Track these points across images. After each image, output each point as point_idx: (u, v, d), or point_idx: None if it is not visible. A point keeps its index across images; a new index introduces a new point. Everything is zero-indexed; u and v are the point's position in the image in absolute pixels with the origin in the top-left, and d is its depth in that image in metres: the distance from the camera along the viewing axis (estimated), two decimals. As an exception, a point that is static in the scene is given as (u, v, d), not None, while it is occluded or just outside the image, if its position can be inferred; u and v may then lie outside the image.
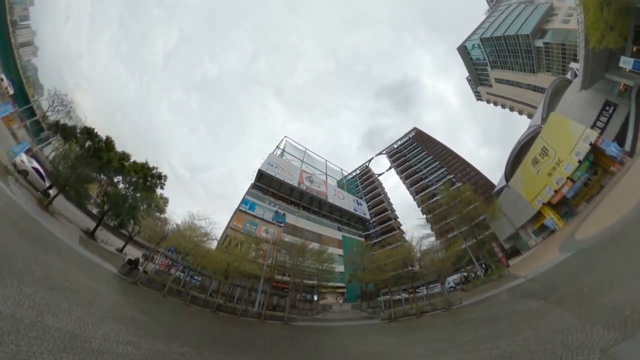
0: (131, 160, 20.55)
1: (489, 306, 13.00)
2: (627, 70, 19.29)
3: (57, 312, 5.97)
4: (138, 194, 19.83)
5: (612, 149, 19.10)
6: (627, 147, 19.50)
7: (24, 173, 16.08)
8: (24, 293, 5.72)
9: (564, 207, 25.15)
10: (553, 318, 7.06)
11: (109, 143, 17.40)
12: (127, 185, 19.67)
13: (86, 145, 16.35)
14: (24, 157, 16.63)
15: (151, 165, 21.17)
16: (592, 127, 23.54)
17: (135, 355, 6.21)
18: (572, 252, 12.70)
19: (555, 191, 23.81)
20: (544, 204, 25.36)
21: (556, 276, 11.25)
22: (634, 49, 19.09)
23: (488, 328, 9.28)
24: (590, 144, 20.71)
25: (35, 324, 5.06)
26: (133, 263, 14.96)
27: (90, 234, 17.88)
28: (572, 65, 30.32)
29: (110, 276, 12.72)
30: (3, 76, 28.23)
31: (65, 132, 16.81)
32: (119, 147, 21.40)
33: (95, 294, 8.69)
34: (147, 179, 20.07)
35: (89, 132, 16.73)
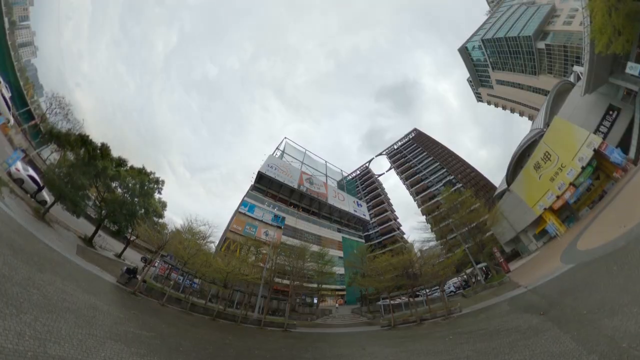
0: (128, 165, 20.42)
1: (489, 317, 12.93)
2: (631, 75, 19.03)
3: (59, 339, 5.89)
4: (136, 200, 19.72)
5: (616, 155, 18.96)
6: (632, 154, 19.34)
7: (20, 182, 16.02)
8: (24, 322, 5.63)
9: (566, 211, 25.08)
10: (551, 339, 7.00)
11: (104, 150, 17.24)
12: (124, 191, 19.55)
13: (81, 152, 16.13)
14: (19, 165, 16.54)
15: (149, 170, 21.04)
16: (595, 132, 23.39)
17: (136, 378, 6.13)
18: (573, 264, 12.61)
19: (557, 196, 23.73)
20: (545, 209, 25.28)
21: (556, 290, 11.17)
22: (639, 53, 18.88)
23: (486, 343, 9.23)
24: (594, 150, 20.57)
25: (39, 355, 4.98)
26: (132, 272, 14.90)
27: (88, 241, 17.82)
28: (576, 68, 30.05)
29: (108, 287, 12.65)
30: (0, 79, 28.00)
31: (60, 139, 16.61)
32: (119, 148, 21.17)
33: (94, 311, 8.61)
34: (144, 184, 19.95)
35: (83, 140, 16.53)
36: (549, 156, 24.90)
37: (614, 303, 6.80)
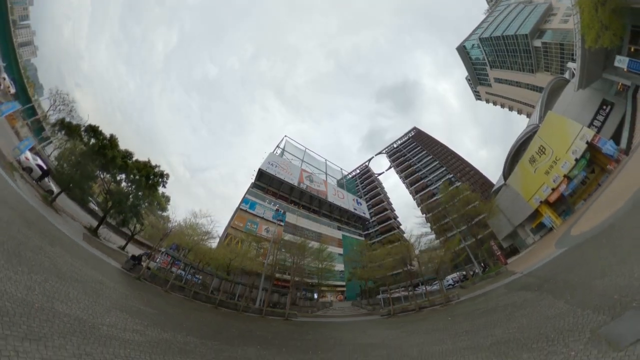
0: (134, 158, 20.77)
1: (486, 300, 13.26)
2: (626, 70, 19.45)
3: (66, 300, 6.21)
4: (140, 192, 20.04)
5: (608, 147, 19.37)
6: (623, 145, 19.76)
7: (28, 170, 16.40)
8: (34, 280, 5.96)
9: (562, 205, 25.42)
10: (546, 306, 7.32)
11: (112, 141, 17.67)
12: (129, 184, 19.87)
13: (91, 142, 16.58)
14: (28, 154, 17.00)
15: (153, 164, 21.37)
16: (589, 126, 23.77)
17: (142, 343, 6.43)
18: (566, 247, 12.97)
19: (553, 189, 24.08)
20: (541, 202, 25.62)
21: (551, 270, 11.52)
22: (632, 48, 19.34)
23: (484, 319, 9.55)
24: (587, 143, 20.98)
25: (45, 308, 5.28)
26: (137, 259, 15.19)
27: (93, 231, 18.12)
28: (570, 64, 30.59)
29: (114, 271, 12.95)
30: (5, 75, 28.42)
31: (70, 129, 17.03)
32: (120, 147, 21.59)
33: (101, 285, 8.93)
34: (149, 177, 20.28)
35: (93, 130, 16.98)
36: (543, 150, 25.32)
37: (604, 267, 7.14)
